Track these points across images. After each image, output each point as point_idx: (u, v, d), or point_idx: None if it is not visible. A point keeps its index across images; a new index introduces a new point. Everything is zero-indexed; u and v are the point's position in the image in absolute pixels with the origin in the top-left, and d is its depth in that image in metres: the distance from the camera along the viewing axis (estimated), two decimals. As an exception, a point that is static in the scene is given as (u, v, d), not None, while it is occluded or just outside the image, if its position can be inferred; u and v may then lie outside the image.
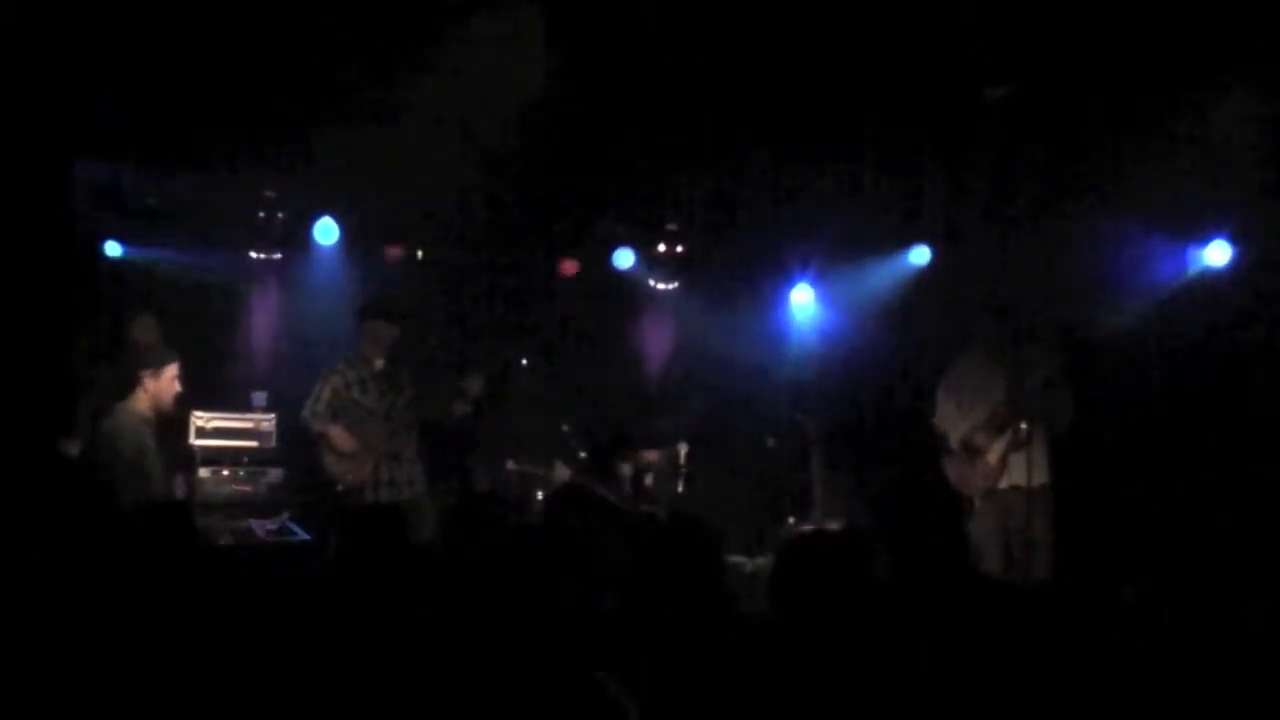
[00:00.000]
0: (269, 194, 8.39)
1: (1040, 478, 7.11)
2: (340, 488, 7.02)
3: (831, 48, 6.05)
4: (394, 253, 9.22)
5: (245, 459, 7.91)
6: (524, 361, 7.94)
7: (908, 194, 8.25)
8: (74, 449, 6.49)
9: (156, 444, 6.40)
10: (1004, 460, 7.14)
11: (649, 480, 7.31)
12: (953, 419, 7.40)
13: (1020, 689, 3.25)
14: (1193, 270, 8.11)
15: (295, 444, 8.02)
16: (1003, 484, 7.13)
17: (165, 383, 6.36)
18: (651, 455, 7.41)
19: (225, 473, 7.82)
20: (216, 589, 3.92)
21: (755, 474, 8.39)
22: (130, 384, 6.28)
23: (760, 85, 6.53)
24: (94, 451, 6.20)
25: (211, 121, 6.92)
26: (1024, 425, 7.09)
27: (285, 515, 6.47)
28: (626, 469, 7.16)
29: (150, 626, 3.58)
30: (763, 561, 6.71)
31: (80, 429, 6.82)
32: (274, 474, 7.92)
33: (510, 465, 8.95)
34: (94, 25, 5.35)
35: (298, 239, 8.74)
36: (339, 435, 7.03)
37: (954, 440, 7.35)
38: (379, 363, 7.19)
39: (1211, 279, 8.00)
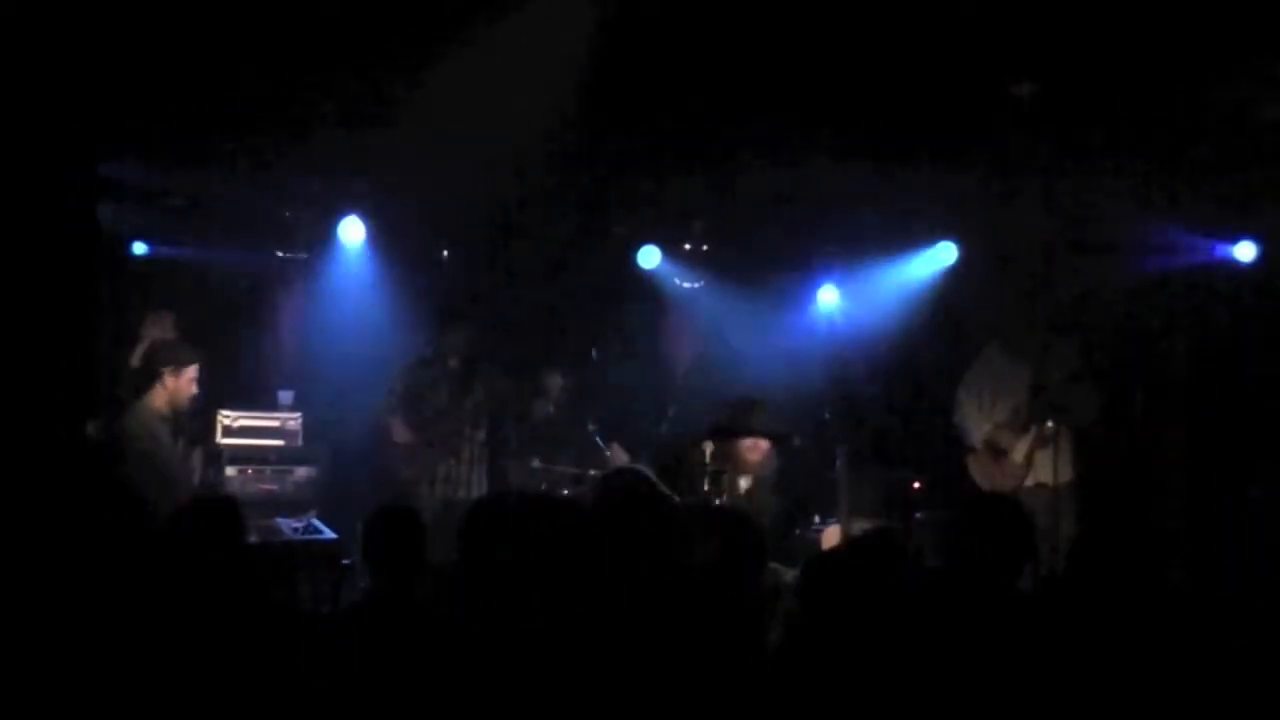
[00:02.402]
0: (295, 192, 8.42)
1: (1065, 475, 7.07)
2: (399, 479, 7.09)
3: (858, 43, 6.03)
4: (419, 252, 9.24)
5: (272, 457, 7.96)
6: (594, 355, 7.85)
7: (934, 191, 8.22)
8: (93, 429, 6.54)
9: (173, 439, 6.46)
10: (1030, 458, 7.10)
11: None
12: (974, 417, 7.36)
13: (1041, 686, 3.25)
14: (1219, 267, 8.07)
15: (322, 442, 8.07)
16: (1029, 482, 7.09)
17: (184, 382, 6.42)
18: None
19: (251, 471, 7.87)
20: (244, 586, 3.94)
21: (781, 473, 8.35)
22: (150, 379, 6.33)
23: (785, 83, 6.51)
24: (113, 443, 6.25)
25: (238, 120, 6.95)
26: (1048, 422, 7.05)
27: (311, 513, 6.50)
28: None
29: (177, 621, 3.60)
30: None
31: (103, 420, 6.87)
32: (300, 472, 7.97)
33: (535, 463, 8.96)
34: (121, 23, 5.38)
35: (324, 237, 8.78)
36: (398, 429, 7.11)
37: (977, 439, 7.31)
38: (453, 362, 7.25)
39: (1238, 276, 7.95)
